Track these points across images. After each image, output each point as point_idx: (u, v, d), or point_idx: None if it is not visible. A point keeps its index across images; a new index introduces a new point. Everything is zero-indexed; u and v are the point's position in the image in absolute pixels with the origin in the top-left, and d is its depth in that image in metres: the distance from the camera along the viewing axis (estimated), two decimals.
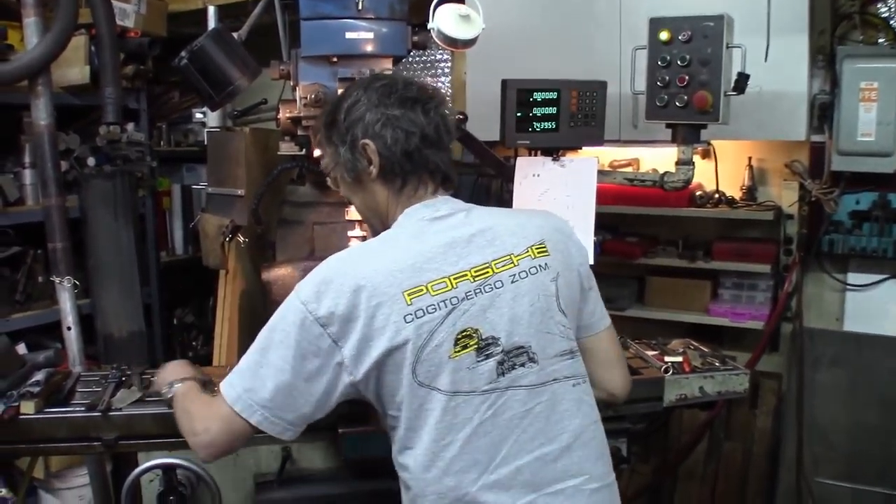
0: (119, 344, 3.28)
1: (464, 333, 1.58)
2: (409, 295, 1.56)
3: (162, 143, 4.45)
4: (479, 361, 1.58)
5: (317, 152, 2.24)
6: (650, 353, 2.49)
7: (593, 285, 1.84)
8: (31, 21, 2.69)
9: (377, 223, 1.80)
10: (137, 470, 2.04)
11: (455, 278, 1.60)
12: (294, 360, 1.57)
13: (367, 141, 1.68)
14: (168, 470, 2.04)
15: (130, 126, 3.40)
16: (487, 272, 1.63)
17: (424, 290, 1.57)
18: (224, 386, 1.66)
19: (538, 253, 1.69)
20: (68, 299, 2.70)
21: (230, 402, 1.63)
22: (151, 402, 2.09)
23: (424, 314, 1.55)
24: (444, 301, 1.57)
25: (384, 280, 1.56)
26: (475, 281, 1.61)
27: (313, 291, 1.57)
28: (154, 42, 3.89)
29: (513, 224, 1.73)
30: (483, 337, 1.59)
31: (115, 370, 2.31)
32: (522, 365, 1.61)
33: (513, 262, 1.66)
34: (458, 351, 1.57)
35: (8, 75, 2.63)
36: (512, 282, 1.64)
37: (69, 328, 2.69)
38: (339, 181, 1.79)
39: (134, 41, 3.77)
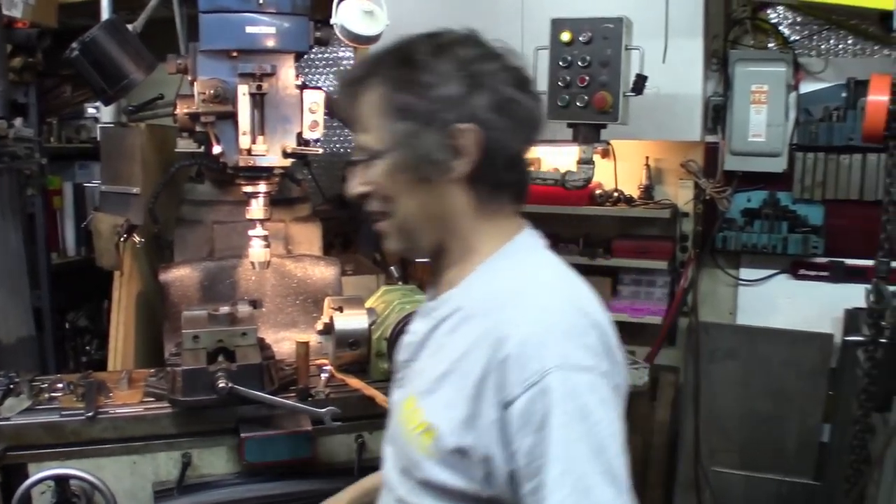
0: (7, 349, 3.15)
1: None
2: None
3: (52, 139, 4.28)
4: None
5: (217, 149, 2.17)
6: None
7: None
8: None
9: (430, 241, 1.33)
10: (28, 482, 1.95)
11: None
12: None
13: (468, 126, 1.22)
14: (61, 481, 1.95)
15: (18, 121, 3.25)
16: None
17: None
18: None
19: None
20: None
21: None
22: (42, 411, 2.01)
23: None
24: None
25: None
26: None
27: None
28: (44, 33, 3.73)
29: None
30: None
31: (2, 377, 2.20)
32: None
33: None
34: None
35: None
36: None
37: None
38: (381, 174, 1.28)
39: (22, 32, 3.61)
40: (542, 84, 2.72)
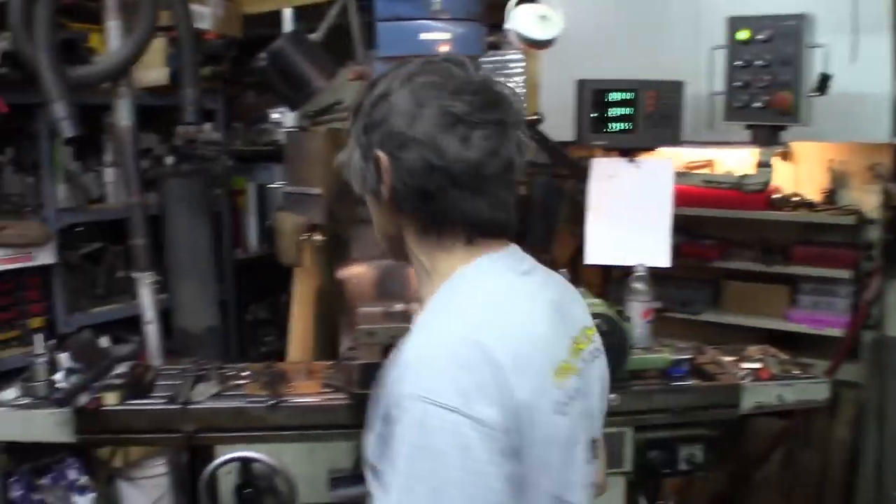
0: (195, 339, 3.36)
1: None
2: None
3: (238, 142, 4.53)
4: None
5: None
6: (726, 358, 2.44)
7: None
8: (112, 25, 2.77)
9: (397, 255, 1.41)
10: (215, 462, 2.07)
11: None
12: None
13: (380, 154, 1.27)
14: (245, 463, 2.07)
15: (207, 126, 3.48)
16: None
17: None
18: None
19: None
20: (148, 294, 2.77)
21: None
22: (229, 397, 2.14)
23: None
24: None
25: None
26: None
27: None
28: (230, 43, 3.96)
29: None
30: None
31: (193, 364, 2.36)
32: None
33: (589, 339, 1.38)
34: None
35: (92, 78, 2.71)
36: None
37: (149, 322, 2.76)
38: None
39: (211, 43, 3.85)
40: (718, 84, 2.65)
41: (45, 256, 3.34)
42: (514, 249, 1.34)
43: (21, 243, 3.24)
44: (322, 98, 2.84)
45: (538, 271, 1.37)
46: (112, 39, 2.83)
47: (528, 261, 1.36)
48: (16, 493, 3.15)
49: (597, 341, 1.41)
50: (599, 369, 1.39)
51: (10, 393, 2.22)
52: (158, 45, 3.52)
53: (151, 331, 2.79)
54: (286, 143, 3.06)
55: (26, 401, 2.11)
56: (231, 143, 4.31)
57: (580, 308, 1.43)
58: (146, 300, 2.78)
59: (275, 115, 4.17)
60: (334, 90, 2.83)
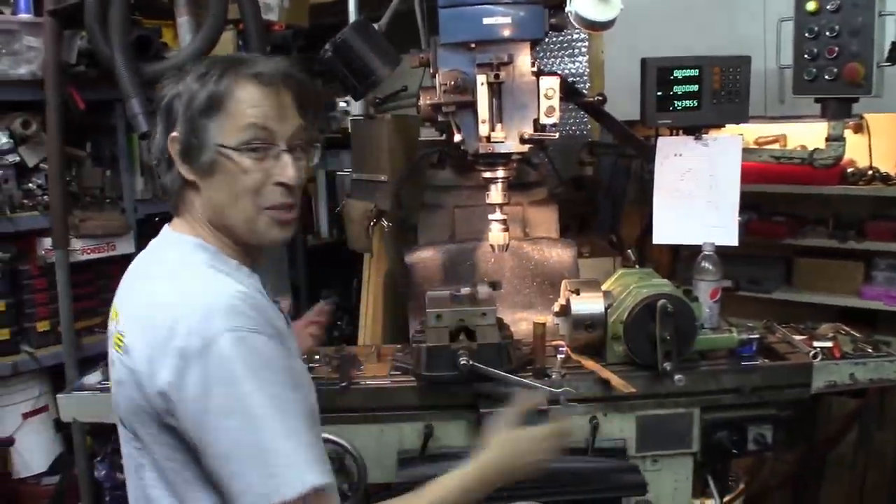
0: None
1: None
2: None
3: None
4: None
5: (457, 137, 2.27)
6: (798, 337, 2.41)
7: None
8: (183, 20, 2.86)
9: None
10: None
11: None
12: None
13: None
14: None
15: None
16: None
17: None
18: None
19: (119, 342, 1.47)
20: None
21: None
22: None
23: None
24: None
25: None
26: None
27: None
28: (297, 33, 4.03)
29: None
30: None
31: None
32: None
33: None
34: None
35: (165, 72, 2.79)
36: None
37: None
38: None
39: (279, 34, 3.92)
40: (786, 58, 2.60)
41: (125, 246, 3.47)
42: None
43: (102, 234, 3.38)
44: (387, 85, 2.88)
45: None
46: (183, 34, 2.92)
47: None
48: (100, 472, 3.30)
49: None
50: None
51: (95, 377, 2.33)
52: (228, 39, 3.61)
53: None
54: (352, 130, 3.11)
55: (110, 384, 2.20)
56: None
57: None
58: None
59: (342, 104, 4.23)
60: (399, 77, 2.87)
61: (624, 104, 2.80)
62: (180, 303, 1.35)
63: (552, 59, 4.41)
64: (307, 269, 4.45)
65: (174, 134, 1.45)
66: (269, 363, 1.32)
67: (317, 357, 2.37)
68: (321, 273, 4.68)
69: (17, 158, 3.22)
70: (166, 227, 1.56)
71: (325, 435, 2.11)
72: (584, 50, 4.25)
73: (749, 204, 3.08)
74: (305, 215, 4.58)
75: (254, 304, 1.38)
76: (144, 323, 1.38)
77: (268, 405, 1.29)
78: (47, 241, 3.27)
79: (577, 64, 4.26)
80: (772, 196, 3.76)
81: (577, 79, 4.25)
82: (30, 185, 3.33)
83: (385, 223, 2.95)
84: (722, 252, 2.41)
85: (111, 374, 1.52)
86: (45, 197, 3.29)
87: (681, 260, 3.82)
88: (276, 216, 1.50)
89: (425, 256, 2.68)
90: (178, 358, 1.29)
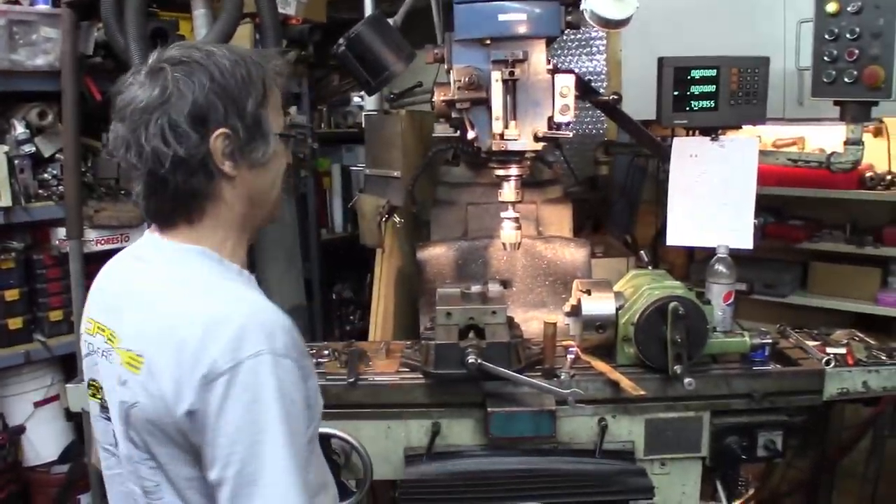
0: None
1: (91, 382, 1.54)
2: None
3: (322, 125, 4.61)
4: (102, 417, 1.50)
5: (471, 134, 2.26)
6: (811, 343, 2.38)
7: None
8: (200, 13, 2.86)
9: None
10: None
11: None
12: None
13: None
14: (323, 439, 2.12)
15: (293, 109, 3.54)
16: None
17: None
18: None
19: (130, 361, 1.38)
20: None
21: None
22: None
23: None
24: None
25: None
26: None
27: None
28: (314, 28, 4.02)
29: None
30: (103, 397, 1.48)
31: None
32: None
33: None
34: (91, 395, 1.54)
35: None
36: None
37: None
38: None
39: (295, 28, 3.92)
40: (805, 59, 2.57)
41: (139, 237, 3.47)
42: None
43: (116, 225, 3.39)
44: (402, 80, 2.87)
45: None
46: (199, 27, 2.92)
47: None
48: None
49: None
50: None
51: None
52: (244, 32, 3.61)
53: None
54: (366, 126, 3.10)
55: None
56: (316, 126, 4.39)
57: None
58: None
59: (357, 99, 4.24)
60: (414, 73, 2.86)
61: (641, 103, 2.78)
62: (210, 322, 1.29)
63: (570, 57, 4.40)
64: (321, 262, 4.45)
65: (223, 130, 1.36)
66: (293, 390, 1.30)
67: (326, 352, 2.36)
68: (335, 267, 4.69)
69: (33, 149, 3.22)
70: (163, 239, 1.50)
71: (332, 430, 2.11)
72: (602, 48, 4.24)
73: (765, 207, 3.05)
74: (320, 209, 4.58)
75: (283, 324, 1.34)
76: (170, 343, 1.30)
77: (280, 434, 1.27)
78: (62, 231, 3.28)
79: (594, 62, 4.24)
80: (788, 199, 3.73)
81: (595, 77, 4.24)
82: (45, 175, 3.33)
83: (397, 219, 2.94)
84: (737, 255, 2.39)
85: (109, 396, 1.44)
86: (61, 187, 3.29)
87: (696, 262, 3.80)
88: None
89: (437, 253, 2.67)
90: (207, 379, 1.26)
